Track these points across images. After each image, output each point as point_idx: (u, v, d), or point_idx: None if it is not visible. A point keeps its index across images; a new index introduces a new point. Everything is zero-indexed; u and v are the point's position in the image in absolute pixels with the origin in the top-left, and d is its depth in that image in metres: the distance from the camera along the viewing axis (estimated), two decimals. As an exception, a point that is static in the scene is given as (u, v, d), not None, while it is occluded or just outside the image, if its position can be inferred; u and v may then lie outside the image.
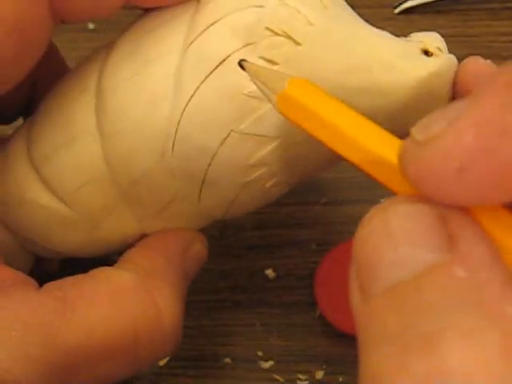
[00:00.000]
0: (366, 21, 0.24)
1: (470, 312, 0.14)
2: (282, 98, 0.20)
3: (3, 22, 0.21)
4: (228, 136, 0.23)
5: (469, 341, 0.13)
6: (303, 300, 0.33)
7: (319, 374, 0.32)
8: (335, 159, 0.22)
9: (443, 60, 0.22)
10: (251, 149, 0.23)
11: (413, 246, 0.15)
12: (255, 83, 0.21)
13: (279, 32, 0.22)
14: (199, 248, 0.28)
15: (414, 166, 0.15)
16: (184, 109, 0.23)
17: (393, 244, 0.15)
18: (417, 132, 0.16)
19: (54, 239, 0.27)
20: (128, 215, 0.26)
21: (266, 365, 0.32)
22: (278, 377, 0.32)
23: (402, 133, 0.18)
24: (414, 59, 0.22)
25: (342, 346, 0.32)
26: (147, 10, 0.25)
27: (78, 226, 0.26)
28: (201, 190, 0.25)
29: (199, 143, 0.23)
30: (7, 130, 0.31)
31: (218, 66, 0.23)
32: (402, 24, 0.39)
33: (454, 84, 0.22)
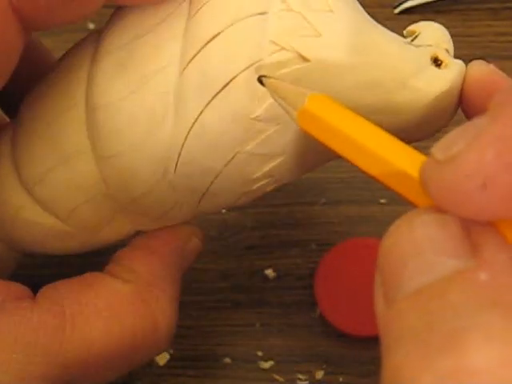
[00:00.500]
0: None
1: (494, 313, 0.14)
2: (302, 113, 0.20)
3: None
4: (233, 157, 0.22)
5: (492, 339, 0.13)
6: (303, 300, 0.33)
7: (319, 374, 0.32)
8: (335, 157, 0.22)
9: (454, 73, 0.22)
10: (256, 166, 0.23)
11: (437, 253, 0.15)
12: (275, 99, 0.20)
13: (286, 46, 0.21)
14: (195, 243, 0.28)
15: (437, 186, 0.16)
16: (188, 133, 0.22)
17: (417, 251, 0.16)
18: (438, 151, 0.16)
19: (50, 248, 0.27)
20: (126, 222, 0.26)
21: (266, 365, 0.32)
22: (277, 377, 0.32)
23: (411, 140, 0.19)
24: (425, 74, 0.22)
25: (342, 346, 0.32)
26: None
27: (75, 238, 0.26)
28: (201, 200, 0.24)
29: (203, 164, 0.22)
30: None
31: (222, 88, 0.21)
32: (402, 24, 0.39)
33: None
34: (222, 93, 0.21)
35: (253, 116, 0.21)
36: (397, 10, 0.40)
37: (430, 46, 0.22)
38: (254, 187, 0.24)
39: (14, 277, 0.32)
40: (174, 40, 0.22)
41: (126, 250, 0.26)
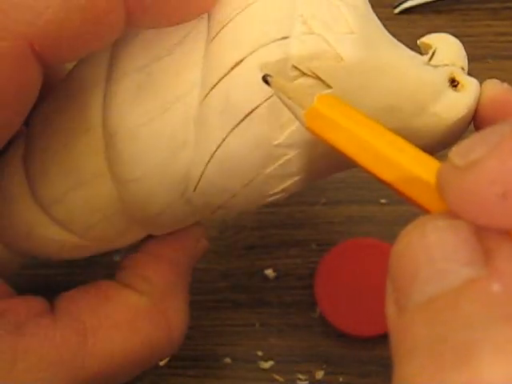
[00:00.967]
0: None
1: (507, 325, 0.14)
2: (310, 113, 0.19)
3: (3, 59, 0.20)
4: (252, 179, 0.23)
5: (505, 353, 0.13)
6: (303, 300, 0.33)
7: (319, 374, 0.32)
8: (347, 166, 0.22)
9: (471, 98, 0.22)
10: (273, 185, 0.23)
11: (449, 261, 0.15)
12: (280, 98, 0.20)
13: (307, 72, 0.21)
14: (203, 243, 0.28)
15: (455, 192, 0.15)
16: (209, 159, 0.22)
17: (429, 258, 0.15)
18: (456, 157, 0.16)
19: (64, 257, 0.27)
20: (140, 231, 0.26)
21: (266, 365, 0.32)
22: (277, 377, 0.32)
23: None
24: (444, 99, 0.22)
25: (342, 346, 0.32)
26: None
27: (90, 248, 0.26)
28: (214, 212, 0.24)
29: (222, 185, 0.23)
30: None
31: (246, 116, 0.21)
32: (402, 24, 0.39)
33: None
34: (245, 120, 0.21)
35: (275, 143, 0.22)
36: (397, 10, 0.40)
37: (447, 65, 0.22)
38: (268, 200, 0.24)
39: (16, 276, 0.32)
40: (195, 65, 0.22)
41: (138, 257, 0.27)
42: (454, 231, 0.15)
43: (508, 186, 0.14)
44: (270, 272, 0.34)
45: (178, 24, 0.22)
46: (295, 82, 0.21)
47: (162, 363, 0.32)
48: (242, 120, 0.21)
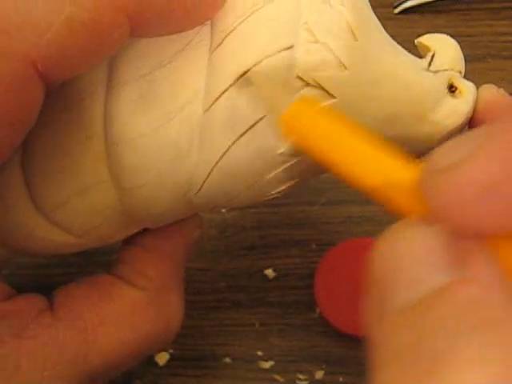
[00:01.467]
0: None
1: (480, 331, 0.14)
2: (287, 115, 0.19)
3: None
4: (254, 183, 0.23)
5: (479, 360, 0.13)
6: (303, 300, 0.33)
7: (319, 374, 0.32)
8: None
9: (469, 105, 0.22)
10: (274, 187, 0.23)
11: (424, 267, 0.15)
12: (262, 99, 0.20)
13: (312, 82, 0.21)
14: (198, 233, 0.28)
15: (436, 193, 0.15)
16: (212, 168, 0.22)
17: (404, 265, 0.15)
18: (439, 159, 0.16)
19: (59, 254, 0.27)
20: (137, 227, 0.26)
21: (266, 365, 0.32)
22: (277, 377, 0.32)
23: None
24: (443, 107, 0.22)
25: (342, 346, 0.32)
26: None
27: (88, 245, 0.26)
28: (214, 208, 0.25)
29: (224, 189, 0.23)
30: None
31: (250, 127, 0.21)
32: (402, 24, 0.39)
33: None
34: (249, 131, 0.21)
35: (278, 152, 0.22)
36: (397, 10, 0.40)
37: (446, 70, 0.23)
38: (267, 198, 0.24)
39: (15, 276, 0.32)
40: (198, 74, 0.21)
41: (135, 251, 0.27)
42: (429, 237, 0.15)
43: (489, 187, 0.14)
44: (269, 272, 0.34)
45: (180, 32, 0.21)
46: (299, 92, 0.21)
47: (161, 363, 0.33)
48: (247, 130, 0.21)
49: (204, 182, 0.23)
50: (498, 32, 0.39)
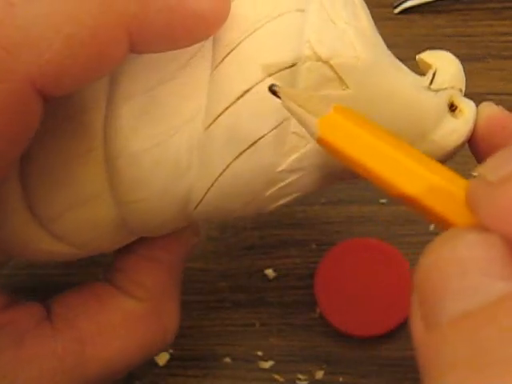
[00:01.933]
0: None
1: None
2: (325, 121, 0.19)
3: None
4: (252, 200, 0.23)
5: None
6: (303, 300, 0.33)
7: (319, 374, 0.32)
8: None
9: (469, 125, 0.23)
10: (272, 202, 0.24)
11: (483, 275, 0.15)
12: (289, 107, 0.20)
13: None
14: (194, 241, 0.28)
15: (489, 207, 0.15)
16: (212, 184, 0.22)
17: (462, 272, 0.15)
18: (488, 172, 0.16)
19: (58, 261, 0.27)
20: (134, 236, 0.26)
21: (266, 365, 0.32)
22: (277, 377, 0.32)
23: None
24: (443, 127, 0.22)
25: (342, 346, 0.32)
26: None
27: (85, 255, 0.26)
28: (211, 221, 0.25)
29: (222, 206, 0.23)
30: None
31: (250, 146, 0.21)
32: (402, 24, 0.39)
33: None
34: (250, 149, 0.22)
35: (278, 170, 0.22)
36: (397, 10, 0.40)
37: (447, 88, 0.23)
38: (265, 211, 0.24)
39: (14, 276, 0.32)
40: (199, 91, 0.21)
41: (132, 260, 0.27)
42: (488, 245, 0.15)
43: None
44: (270, 272, 0.34)
45: (181, 48, 0.21)
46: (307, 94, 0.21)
47: (161, 363, 0.33)
48: (247, 148, 0.22)
49: (203, 197, 0.23)
50: (498, 32, 0.39)
